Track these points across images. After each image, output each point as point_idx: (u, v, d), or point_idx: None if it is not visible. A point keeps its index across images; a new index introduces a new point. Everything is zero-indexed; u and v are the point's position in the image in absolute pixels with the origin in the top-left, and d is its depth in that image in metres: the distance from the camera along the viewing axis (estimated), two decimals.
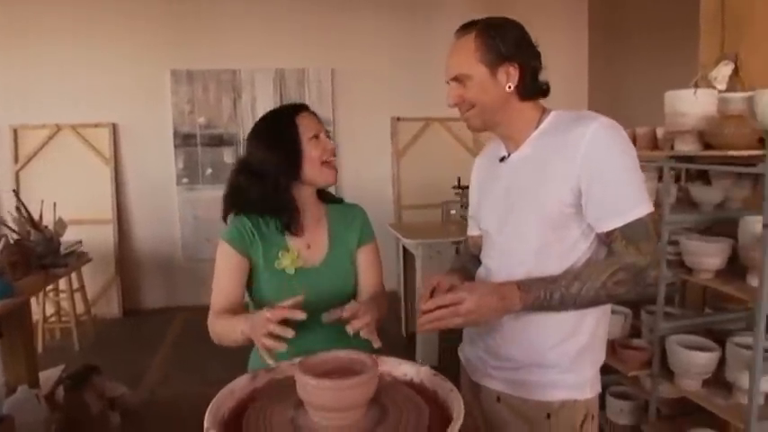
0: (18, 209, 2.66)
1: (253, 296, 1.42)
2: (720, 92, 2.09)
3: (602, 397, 1.45)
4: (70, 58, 4.74)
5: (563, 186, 1.13)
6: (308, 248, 1.42)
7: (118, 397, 2.91)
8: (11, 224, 2.66)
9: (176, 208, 5.03)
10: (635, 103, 4.56)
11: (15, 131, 4.72)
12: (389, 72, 5.25)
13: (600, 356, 1.26)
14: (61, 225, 2.76)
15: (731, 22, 2.44)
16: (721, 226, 2.12)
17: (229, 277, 1.37)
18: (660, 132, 2.15)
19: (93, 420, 2.57)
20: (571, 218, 1.15)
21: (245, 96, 5.04)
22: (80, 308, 4.26)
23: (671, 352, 2.00)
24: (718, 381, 1.97)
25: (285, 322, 1.12)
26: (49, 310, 4.30)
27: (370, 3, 5.18)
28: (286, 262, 1.38)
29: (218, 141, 5.04)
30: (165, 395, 3.35)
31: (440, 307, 1.07)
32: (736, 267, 1.93)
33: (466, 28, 1.20)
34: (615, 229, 1.11)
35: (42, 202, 2.91)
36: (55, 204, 3.03)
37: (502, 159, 1.28)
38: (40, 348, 4.00)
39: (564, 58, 5.22)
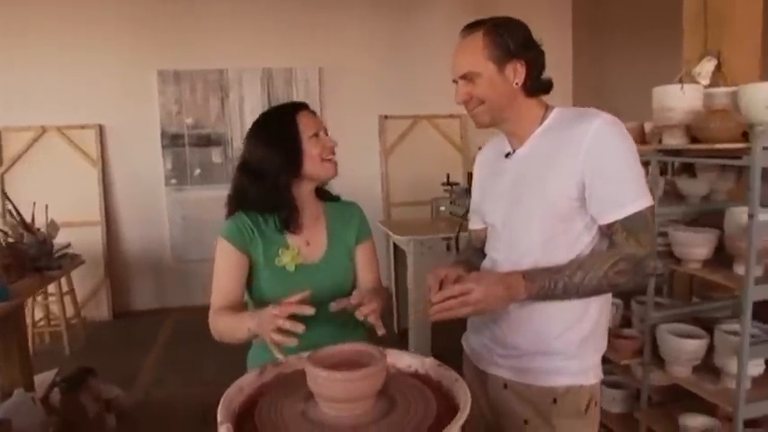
0: (10, 211, 2.64)
1: (252, 294, 1.43)
2: (705, 87, 2.15)
3: None
4: (55, 58, 4.69)
5: (568, 180, 1.17)
6: (307, 245, 1.43)
7: (112, 399, 2.90)
8: (3, 227, 2.64)
9: (165, 209, 5.00)
10: (618, 99, 4.63)
11: None
12: (377, 70, 5.26)
13: (603, 344, 1.30)
14: (53, 227, 2.74)
15: (713, 21, 2.51)
16: (707, 217, 2.18)
17: (230, 275, 1.38)
18: (648, 127, 2.20)
19: (89, 423, 2.56)
20: (576, 211, 1.19)
21: (232, 96, 5.03)
22: (69, 311, 4.22)
23: (662, 340, 2.05)
24: (707, 367, 2.02)
25: (292, 317, 1.14)
26: (38, 314, 4.27)
27: (358, 2, 5.19)
28: (286, 259, 1.39)
29: (207, 141, 5.02)
30: (160, 396, 3.34)
31: (448, 298, 1.10)
32: (722, 257, 1.98)
33: (472, 27, 1.23)
34: (616, 222, 1.15)
35: (34, 204, 2.89)
36: (47, 206, 3.01)
37: (507, 155, 1.31)
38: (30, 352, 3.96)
39: (548, 55, 5.18)
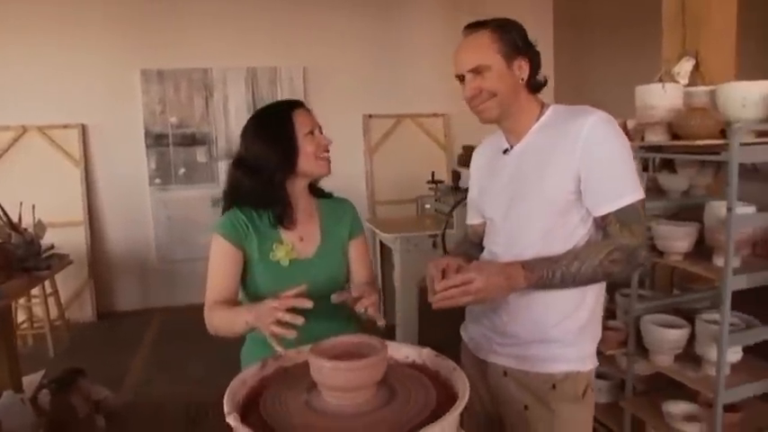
0: None
1: (247, 289, 1.45)
2: (684, 86, 2.23)
3: None
4: (36, 57, 4.62)
5: (565, 175, 1.22)
6: (300, 241, 1.46)
7: (101, 400, 2.88)
8: None
9: (149, 209, 4.97)
10: (599, 97, 4.70)
11: None
12: (361, 70, 5.28)
13: (598, 332, 1.36)
14: (41, 227, 2.71)
15: (691, 22, 2.60)
16: (687, 211, 2.25)
17: (225, 270, 1.40)
18: (631, 124, 2.27)
19: (79, 423, 2.55)
20: (572, 204, 1.24)
21: (216, 95, 5.01)
22: (53, 312, 4.17)
23: (645, 331, 2.12)
24: (689, 355, 2.09)
25: (290, 311, 1.16)
26: (21, 316, 4.21)
27: (341, 1, 5.20)
28: (280, 254, 1.42)
29: (191, 141, 5.00)
30: (148, 396, 3.33)
31: (450, 287, 1.14)
32: (702, 249, 2.05)
33: (475, 26, 1.27)
34: (610, 213, 1.21)
35: (21, 204, 2.86)
36: (33, 206, 2.98)
37: (505, 151, 1.36)
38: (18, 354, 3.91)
39: None
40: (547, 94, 1.38)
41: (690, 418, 2.09)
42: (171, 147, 4.96)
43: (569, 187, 1.23)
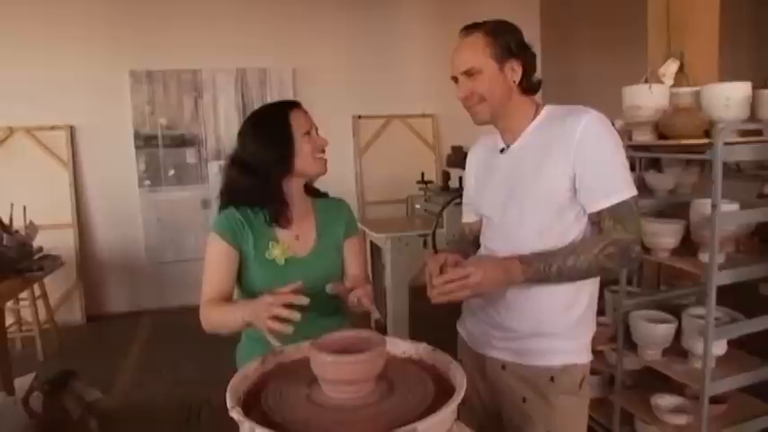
0: None
1: (243, 287, 1.46)
2: (670, 87, 2.28)
3: None
4: (24, 58, 4.57)
5: (561, 173, 1.26)
6: (296, 239, 1.47)
7: (93, 402, 2.87)
8: None
9: (139, 210, 4.93)
10: (585, 97, 4.70)
11: None
12: (350, 71, 5.29)
13: (593, 326, 1.40)
14: (33, 229, 2.70)
15: (675, 24, 2.66)
16: (673, 209, 2.31)
17: (221, 268, 1.41)
18: (619, 124, 2.32)
19: (73, 425, 2.54)
20: (568, 201, 1.28)
21: (206, 96, 5.00)
22: (42, 315, 4.13)
23: (634, 326, 2.16)
24: (676, 349, 2.14)
25: (287, 306, 1.17)
26: (9, 319, 4.16)
27: (331, 3, 5.21)
28: (276, 252, 1.43)
29: (181, 142, 4.98)
30: (140, 398, 3.32)
31: (448, 281, 1.17)
32: (688, 246, 2.10)
33: (472, 28, 1.30)
34: (603, 210, 1.25)
35: (12, 205, 2.84)
36: (25, 208, 2.96)
37: (502, 151, 1.39)
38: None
39: None
40: None
41: (677, 410, 2.14)
42: (160, 148, 4.94)
43: (564, 185, 1.26)
